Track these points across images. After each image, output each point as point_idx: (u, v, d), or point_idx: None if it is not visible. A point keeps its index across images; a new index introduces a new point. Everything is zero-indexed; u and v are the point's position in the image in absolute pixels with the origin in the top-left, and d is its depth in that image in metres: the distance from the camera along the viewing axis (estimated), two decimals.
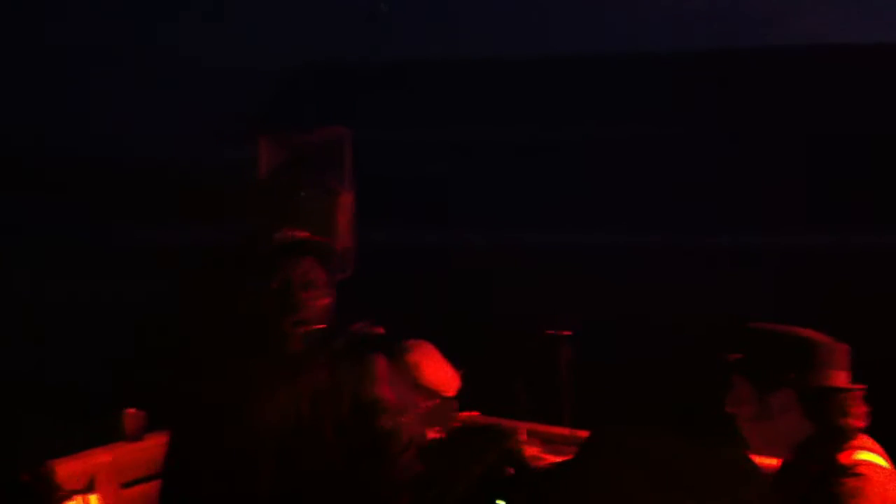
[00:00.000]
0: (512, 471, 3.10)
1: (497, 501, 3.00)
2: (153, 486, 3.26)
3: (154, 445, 3.41)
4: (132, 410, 4.26)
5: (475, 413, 4.18)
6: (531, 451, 3.84)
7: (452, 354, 3.96)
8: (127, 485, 4.05)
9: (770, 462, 2.92)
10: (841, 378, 2.76)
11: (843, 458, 2.66)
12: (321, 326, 3.10)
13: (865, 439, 2.74)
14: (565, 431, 4.08)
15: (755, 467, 2.96)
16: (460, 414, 4.06)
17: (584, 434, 3.54)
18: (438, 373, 3.88)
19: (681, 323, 7.72)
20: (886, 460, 2.73)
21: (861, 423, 2.75)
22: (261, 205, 6.00)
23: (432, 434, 3.31)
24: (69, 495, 3.80)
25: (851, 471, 2.62)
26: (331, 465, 2.96)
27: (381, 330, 3.23)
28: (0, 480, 2.95)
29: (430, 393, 3.82)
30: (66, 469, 3.87)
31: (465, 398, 3.98)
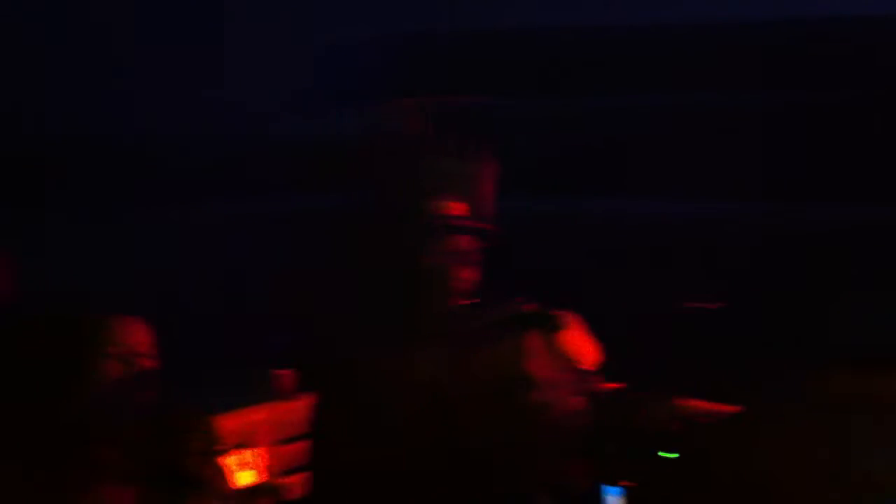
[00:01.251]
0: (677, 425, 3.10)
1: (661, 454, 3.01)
2: (304, 445, 3.38)
3: (305, 405, 3.53)
4: (284, 370, 4.40)
5: (622, 385, 4.18)
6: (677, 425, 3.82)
7: (601, 329, 3.96)
8: (281, 442, 4.21)
9: None
10: None
11: None
12: (474, 301, 3.15)
13: None
14: (716, 407, 4.05)
15: None
16: (607, 385, 4.07)
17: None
18: (581, 347, 3.88)
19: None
20: None
21: None
22: (404, 171, 6.07)
23: (579, 404, 3.33)
24: (228, 449, 3.97)
25: None
26: (487, 438, 3.02)
27: (533, 306, 3.25)
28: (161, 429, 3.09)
29: (573, 365, 3.83)
30: (224, 425, 4.03)
31: (612, 372, 3.99)
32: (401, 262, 3.14)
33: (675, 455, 2.95)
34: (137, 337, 2.69)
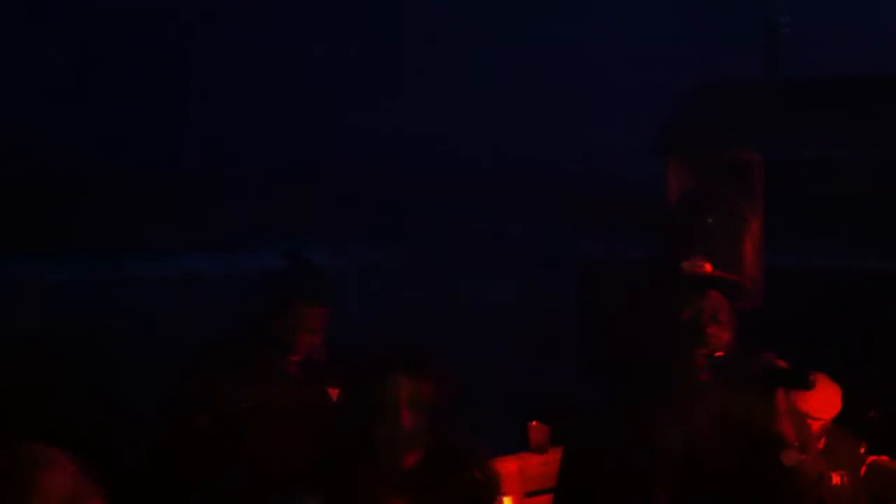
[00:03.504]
0: None
1: None
2: (551, 499, 3.41)
3: (556, 459, 3.57)
4: (536, 423, 4.47)
5: (884, 458, 3.94)
6: None
7: (865, 392, 3.77)
8: (530, 494, 4.27)
9: None
10: None
11: None
12: (721, 354, 3.11)
13: None
14: None
15: None
16: (869, 458, 3.85)
17: None
18: (817, 400, 3.70)
19: None
20: None
21: None
22: (670, 226, 6.04)
23: (836, 477, 3.19)
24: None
25: None
26: (732, 495, 2.95)
27: (784, 363, 3.16)
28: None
29: (805, 417, 3.66)
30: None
31: (875, 441, 3.78)
32: (663, 314, 3.17)
33: None
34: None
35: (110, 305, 13.74)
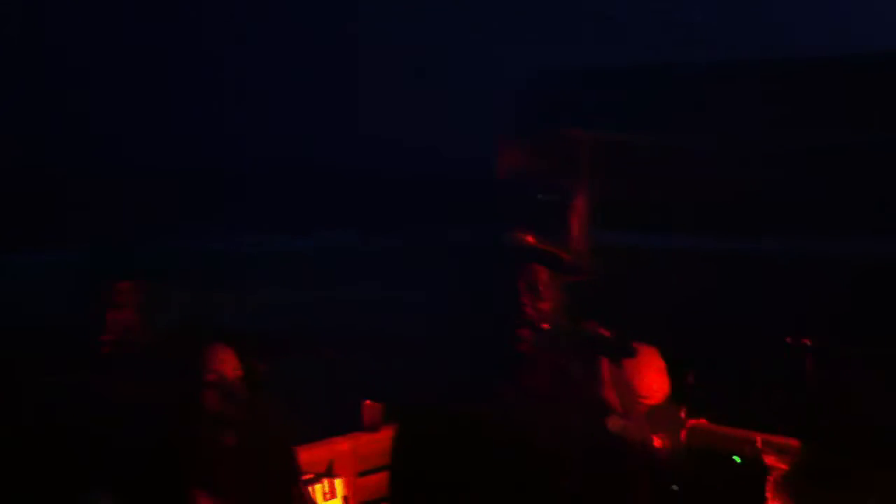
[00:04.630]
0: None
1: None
2: (386, 476, 3.39)
3: (389, 437, 3.55)
4: (370, 402, 4.44)
5: (702, 420, 4.09)
6: (767, 460, 3.73)
7: (683, 361, 3.89)
8: (363, 473, 4.24)
9: None
10: None
11: None
12: (545, 327, 3.15)
13: None
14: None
15: None
16: (689, 422, 3.99)
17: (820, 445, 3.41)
18: (649, 379, 3.83)
19: None
20: None
21: None
22: (499, 206, 6.12)
23: (657, 440, 3.28)
24: (317, 479, 4.02)
25: None
26: (559, 463, 3.00)
27: (607, 332, 3.23)
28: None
29: (637, 398, 3.77)
30: (310, 454, 4.09)
31: (694, 405, 3.91)
32: (496, 292, 3.20)
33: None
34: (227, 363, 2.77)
35: None
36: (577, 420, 3.08)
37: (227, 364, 2.98)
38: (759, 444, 3.72)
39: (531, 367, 3.12)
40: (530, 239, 3.32)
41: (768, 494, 3.53)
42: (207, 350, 2.99)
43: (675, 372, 3.86)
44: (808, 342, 4.23)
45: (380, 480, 4.01)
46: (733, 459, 3.49)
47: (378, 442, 4.21)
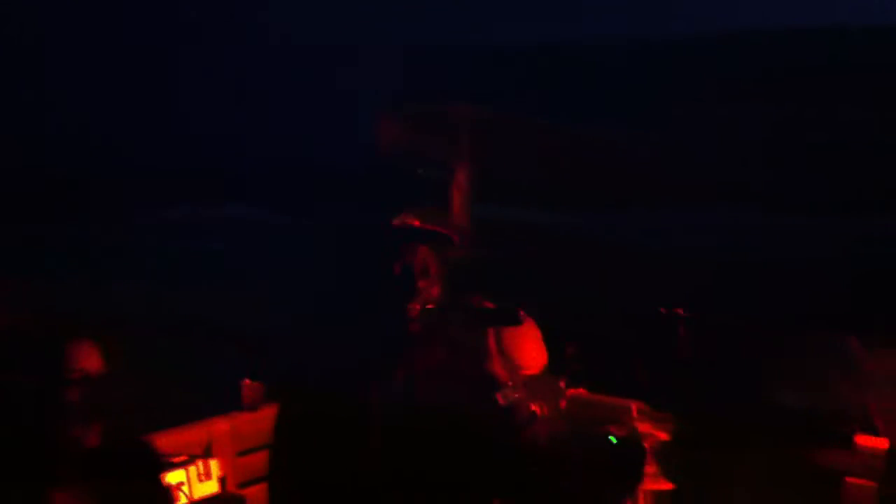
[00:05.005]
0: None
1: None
2: (267, 456, 3.34)
3: (269, 416, 3.50)
4: (249, 381, 4.37)
5: (581, 390, 4.15)
6: (642, 428, 3.80)
7: (562, 332, 3.93)
8: (242, 453, 4.17)
9: None
10: None
11: None
12: (431, 306, 3.16)
13: None
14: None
15: None
16: (568, 391, 4.04)
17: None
18: (528, 350, 3.87)
19: None
20: None
21: None
22: (382, 182, 6.09)
23: (535, 407, 3.30)
24: (191, 460, 3.93)
25: None
26: (449, 440, 2.99)
27: (491, 304, 3.25)
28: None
29: (517, 369, 3.81)
30: (187, 435, 4.01)
31: (572, 376, 3.96)
32: (381, 271, 3.19)
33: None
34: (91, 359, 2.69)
35: None
36: (470, 394, 3.10)
37: (91, 359, 2.89)
38: (634, 413, 3.80)
39: (422, 345, 3.12)
40: (415, 221, 3.32)
41: (646, 462, 3.60)
42: (71, 345, 2.88)
43: (554, 343, 3.90)
44: (680, 312, 4.33)
45: (260, 460, 3.94)
46: (609, 440, 3.55)
47: (258, 421, 4.15)
